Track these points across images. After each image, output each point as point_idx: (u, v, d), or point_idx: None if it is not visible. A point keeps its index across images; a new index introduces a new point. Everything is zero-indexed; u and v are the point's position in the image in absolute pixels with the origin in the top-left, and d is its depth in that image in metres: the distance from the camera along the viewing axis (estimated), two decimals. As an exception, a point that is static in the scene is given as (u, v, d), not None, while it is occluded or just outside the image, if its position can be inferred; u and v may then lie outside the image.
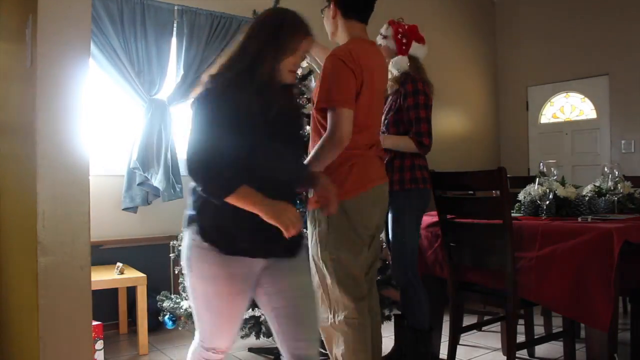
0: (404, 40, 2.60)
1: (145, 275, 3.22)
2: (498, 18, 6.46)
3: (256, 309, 2.55)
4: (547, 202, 2.47)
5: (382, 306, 2.82)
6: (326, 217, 1.95)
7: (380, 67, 2.14)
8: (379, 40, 2.67)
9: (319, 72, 2.81)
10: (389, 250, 2.65)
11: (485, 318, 3.14)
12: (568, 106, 5.98)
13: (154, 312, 3.12)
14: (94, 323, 2.62)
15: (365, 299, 2.05)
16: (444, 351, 2.72)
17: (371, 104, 2.06)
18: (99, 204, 3.50)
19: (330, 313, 2.04)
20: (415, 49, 2.63)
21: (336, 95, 1.95)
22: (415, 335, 2.54)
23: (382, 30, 2.67)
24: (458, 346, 2.63)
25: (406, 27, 2.65)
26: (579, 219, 2.35)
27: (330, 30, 2.19)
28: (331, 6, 2.14)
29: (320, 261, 2.02)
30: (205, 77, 1.53)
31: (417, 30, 2.66)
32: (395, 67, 2.56)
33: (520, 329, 2.95)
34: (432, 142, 2.51)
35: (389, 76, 2.61)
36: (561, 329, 2.68)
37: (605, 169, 2.78)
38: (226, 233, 1.50)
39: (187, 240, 1.55)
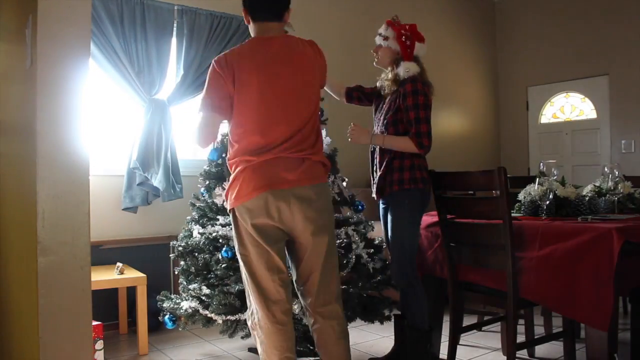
0: (408, 43, 2.58)
1: (145, 275, 3.22)
2: (498, 18, 6.46)
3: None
4: (547, 202, 2.47)
5: (382, 306, 2.82)
6: (232, 217, 2.03)
7: (280, 59, 2.00)
8: (378, 40, 2.65)
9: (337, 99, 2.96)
10: (389, 250, 2.65)
11: (485, 318, 3.14)
12: (568, 106, 5.99)
13: (154, 312, 3.13)
14: (94, 323, 2.62)
15: (278, 303, 2.00)
16: (444, 351, 2.72)
17: (268, 103, 1.96)
18: (99, 204, 3.50)
19: (249, 311, 2.08)
20: (418, 49, 2.61)
21: (201, 100, 2.02)
22: (415, 335, 2.54)
23: (382, 31, 2.65)
24: (458, 346, 2.63)
25: (407, 27, 2.63)
26: (579, 219, 2.35)
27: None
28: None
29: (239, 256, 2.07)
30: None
31: (417, 30, 2.65)
32: (405, 73, 2.54)
33: (520, 329, 2.95)
34: (431, 143, 2.50)
35: (388, 77, 2.60)
36: (561, 329, 2.68)
37: (605, 169, 2.78)
38: None
39: None
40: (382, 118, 2.63)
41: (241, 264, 2.05)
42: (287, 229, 1.99)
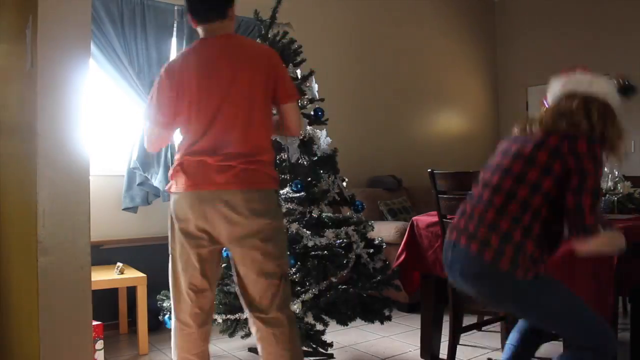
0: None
1: (145, 275, 3.22)
2: (498, 18, 6.46)
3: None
4: (547, 202, 2.47)
5: (382, 306, 2.82)
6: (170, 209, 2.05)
7: (222, 59, 1.96)
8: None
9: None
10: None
11: (485, 318, 3.14)
12: (568, 106, 5.98)
13: (154, 312, 3.12)
14: (94, 323, 2.62)
15: (186, 305, 2.01)
16: (444, 351, 2.72)
17: (195, 104, 1.94)
18: (99, 204, 3.50)
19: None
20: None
21: (146, 109, 2.04)
22: None
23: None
24: (458, 346, 2.63)
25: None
26: (579, 219, 2.35)
27: None
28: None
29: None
30: None
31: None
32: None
33: (520, 329, 2.95)
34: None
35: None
36: (561, 329, 2.67)
37: (605, 169, 2.78)
38: None
39: None
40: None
41: (169, 255, 2.07)
42: (214, 232, 1.96)
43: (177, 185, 1.97)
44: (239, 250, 1.98)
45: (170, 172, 2.02)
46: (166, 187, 2.07)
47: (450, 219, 2.57)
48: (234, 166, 1.91)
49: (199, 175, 1.92)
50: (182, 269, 2.01)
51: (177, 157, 2.00)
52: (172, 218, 2.02)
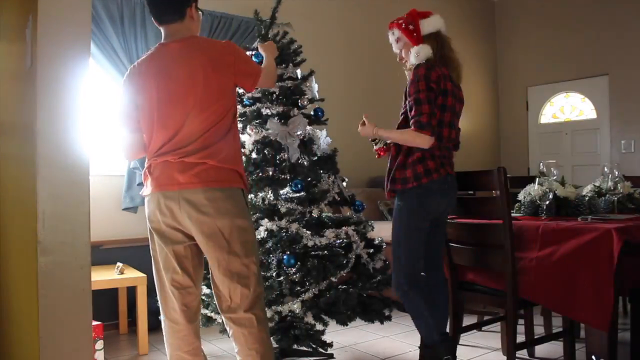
0: (410, 28, 2.38)
1: (145, 275, 3.22)
2: (498, 18, 6.47)
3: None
4: (547, 202, 2.47)
5: (382, 306, 2.82)
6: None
7: (178, 63, 1.97)
8: (396, 49, 2.46)
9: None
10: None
11: (485, 318, 3.14)
12: (568, 106, 5.99)
13: (154, 312, 3.12)
14: (94, 323, 2.62)
15: (171, 302, 2.04)
16: (444, 351, 2.72)
17: (156, 108, 1.97)
18: (99, 204, 3.50)
19: None
20: (426, 26, 2.39)
21: (115, 114, 2.09)
22: (422, 351, 2.42)
23: (391, 39, 2.46)
24: (458, 346, 2.63)
25: (404, 16, 2.44)
26: (579, 219, 2.35)
27: None
28: None
29: None
30: None
31: (416, 10, 2.44)
32: (414, 59, 2.33)
33: (520, 329, 2.95)
34: (434, 126, 2.24)
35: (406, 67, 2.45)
36: (561, 329, 2.68)
37: (605, 169, 2.78)
38: None
39: None
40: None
41: (152, 258, 2.10)
42: (185, 229, 1.99)
43: (146, 188, 2.04)
44: (206, 249, 2.00)
45: (144, 170, 2.07)
46: (140, 192, 2.13)
47: (450, 218, 2.57)
48: (196, 164, 1.93)
49: (163, 176, 1.96)
50: (163, 267, 2.05)
51: (146, 163, 2.06)
52: (147, 220, 2.07)
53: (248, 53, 2.93)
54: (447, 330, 2.54)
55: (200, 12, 2.12)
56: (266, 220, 2.69)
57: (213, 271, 2.02)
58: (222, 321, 2.59)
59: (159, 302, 2.10)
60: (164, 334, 2.10)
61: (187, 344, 2.06)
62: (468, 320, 2.89)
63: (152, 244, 2.08)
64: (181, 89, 1.95)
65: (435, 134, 2.26)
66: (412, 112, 2.26)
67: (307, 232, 2.67)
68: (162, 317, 2.09)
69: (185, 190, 1.93)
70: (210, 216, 1.93)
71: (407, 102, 2.33)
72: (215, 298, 2.07)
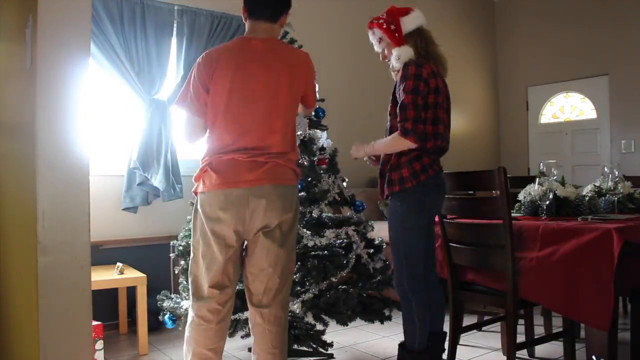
0: (392, 27, 2.34)
1: (145, 275, 3.22)
2: (498, 18, 6.47)
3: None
4: (547, 202, 2.47)
5: (382, 306, 2.82)
6: (195, 205, 2.07)
7: (260, 61, 1.99)
8: (378, 49, 2.44)
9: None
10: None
11: (485, 318, 3.14)
12: (568, 106, 5.99)
13: (154, 312, 3.12)
14: (94, 323, 2.61)
15: (207, 300, 2.02)
16: (444, 351, 2.72)
17: (237, 103, 1.97)
18: (99, 204, 3.50)
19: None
20: (407, 24, 2.34)
21: (180, 93, 2.06)
22: (400, 354, 2.39)
23: (372, 39, 2.44)
24: (458, 346, 2.63)
25: (383, 15, 2.39)
26: (579, 219, 2.35)
27: None
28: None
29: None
30: None
31: (395, 8, 2.39)
32: (396, 62, 2.32)
33: (520, 329, 2.95)
34: (420, 129, 2.22)
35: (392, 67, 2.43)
36: (561, 329, 2.68)
37: (605, 169, 2.78)
38: None
39: None
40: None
41: (191, 253, 2.08)
42: (243, 229, 1.99)
43: (204, 185, 1.99)
44: (262, 240, 2.00)
45: (197, 173, 2.03)
46: (192, 189, 2.08)
47: (450, 218, 2.57)
48: (265, 162, 1.96)
49: (230, 173, 1.95)
50: (205, 267, 2.01)
51: (205, 157, 2.02)
52: (200, 217, 2.01)
53: None
54: (449, 331, 2.54)
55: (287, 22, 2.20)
56: (266, 220, 2.69)
57: (257, 263, 2.01)
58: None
59: (191, 299, 2.07)
60: (188, 329, 2.08)
61: (212, 342, 2.06)
62: (468, 320, 2.88)
63: (196, 241, 2.05)
64: (260, 87, 1.97)
65: (420, 140, 2.23)
66: (399, 117, 2.25)
67: (307, 232, 2.67)
68: (190, 314, 2.07)
69: (256, 187, 1.95)
70: (276, 211, 1.97)
71: (398, 102, 2.30)
72: (247, 293, 2.08)
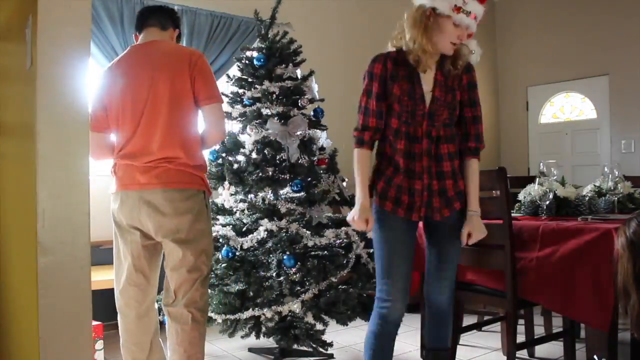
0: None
1: (145, 275, 3.22)
2: (498, 18, 6.46)
3: (256, 308, 2.55)
4: (547, 202, 2.47)
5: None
6: None
7: (146, 65, 2.07)
8: (472, 29, 1.93)
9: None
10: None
11: (485, 318, 3.14)
12: (568, 106, 5.99)
13: (154, 312, 3.12)
14: (94, 323, 2.62)
15: (123, 292, 2.18)
16: (444, 351, 2.72)
17: (123, 109, 2.07)
18: (99, 204, 3.49)
19: None
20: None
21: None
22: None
23: (475, 10, 1.90)
24: (458, 346, 2.63)
25: None
26: (579, 219, 2.35)
27: None
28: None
29: None
30: None
31: None
32: (472, 53, 2.00)
33: (520, 329, 2.95)
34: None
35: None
36: (561, 329, 2.68)
37: (605, 169, 2.78)
38: None
39: None
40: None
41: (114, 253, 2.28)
42: (144, 228, 2.12)
43: (112, 186, 2.19)
44: (164, 243, 2.11)
45: (111, 169, 2.21)
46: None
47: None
48: (156, 167, 2.04)
49: (126, 176, 2.09)
50: (122, 262, 2.18)
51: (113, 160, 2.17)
52: (112, 217, 2.22)
53: (249, 54, 2.94)
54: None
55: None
56: (266, 220, 2.70)
57: (166, 265, 2.15)
58: (221, 321, 2.60)
59: (115, 294, 2.23)
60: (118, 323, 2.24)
61: (133, 336, 2.20)
62: (468, 320, 2.89)
63: (114, 239, 2.24)
64: (143, 90, 2.04)
65: None
66: (478, 130, 2.03)
67: (307, 232, 2.67)
68: (117, 308, 2.22)
69: (145, 190, 2.05)
70: (167, 215, 2.05)
71: (470, 109, 2.03)
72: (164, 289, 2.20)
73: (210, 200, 2.77)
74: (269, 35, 2.93)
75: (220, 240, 2.70)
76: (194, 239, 2.09)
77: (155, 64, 2.06)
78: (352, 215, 2.03)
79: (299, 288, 2.61)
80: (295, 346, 2.78)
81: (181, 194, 2.06)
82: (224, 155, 2.83)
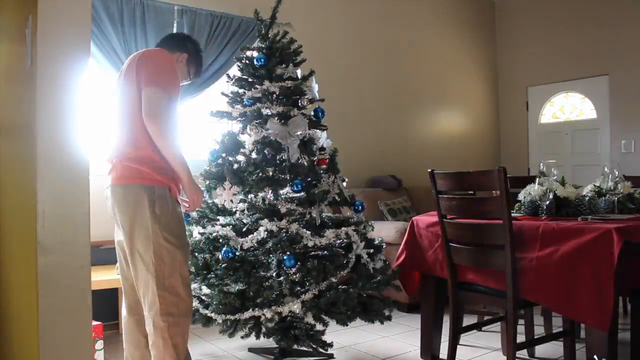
0: None
1: (145, 275, 3.22)
2: (498, 18, 6.47)
3: (256, 309, 2.55)
4: (547, 202, 2.47)
5: (382, 306, 2.82)
6: None
7: (121, 72, 2.26)
8: None
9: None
10: None
11: (485, 318, 3.14)
12: (568, 106, 5.99)
13: (154, 312, 3.12)
14: (94, 323, 2.62)
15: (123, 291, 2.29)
16: (444, 351, 2.72)
17: (110, 110, 2.28)
18: (99, 204, 3.49)
19: None
20: None
21: None
22: None
23: None
24: (458, 346, 2.63)
25: None
26: (579, 219, 2.35)
27: None
28: None
29: None
30: None
31: None
32: None
33: (520, 329, 2.95)
34: None
35: None
36: (561, 329, 2.68)
37: (605, 169, 2.78)
38: None
39: None
40: None
41: None
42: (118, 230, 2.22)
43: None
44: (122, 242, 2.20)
45: None
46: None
47: (450, 219, 2.57)
48: (112, 165, 2.17)
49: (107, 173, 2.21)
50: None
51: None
52: None
53: (249, 53, 2.94)
54: (449, 331, 2.52)
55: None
56: (266, 220, 2.69)
57: (130, 264, 2.19)
58: (221, 322, 2.60)
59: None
60: None
61: (126, 331, 2.25)
62: (468, 320, 2.89)
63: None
64: (116, 96, 2.26)
65: None
66: None
67: (307, 232, 2.67)
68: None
69: (109, 187, 2.17)
70: (114, 212, 2.15)
71: None
72: None
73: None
74: (269, 35, 2.93)
75: (220, 240, 2.70)
76: (137, 235, 2.07)
77: (122, 72, 2.24)
78: None
79: (299, 288, 2.61)
80: (295, 346, 2.77)
81: (124, 189, 2.11)
82: (224, 155, 2.83)
